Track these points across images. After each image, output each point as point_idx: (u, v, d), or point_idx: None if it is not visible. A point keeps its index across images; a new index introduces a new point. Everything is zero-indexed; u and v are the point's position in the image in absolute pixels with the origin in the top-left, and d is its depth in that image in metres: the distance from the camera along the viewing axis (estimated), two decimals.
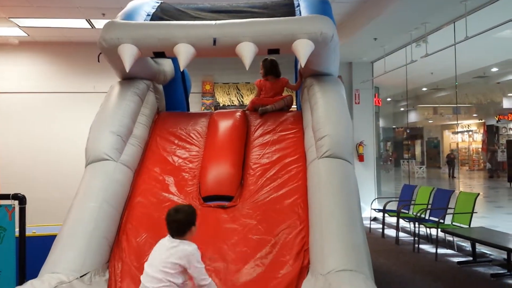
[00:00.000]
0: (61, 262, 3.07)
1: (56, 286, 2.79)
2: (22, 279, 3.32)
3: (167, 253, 2.78)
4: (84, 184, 3.62)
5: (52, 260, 3.11)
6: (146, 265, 2.85)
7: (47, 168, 9.23)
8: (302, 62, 3.64)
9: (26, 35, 9.16)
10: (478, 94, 19.91)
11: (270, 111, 4.64)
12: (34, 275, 2.98)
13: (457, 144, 26.26)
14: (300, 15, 4.18)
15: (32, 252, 3.56)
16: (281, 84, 5.00)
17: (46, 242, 3.43)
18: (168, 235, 2.85)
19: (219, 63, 9.94)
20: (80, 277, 3.01)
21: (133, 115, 4.14)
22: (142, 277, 2.83)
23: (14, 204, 3.51)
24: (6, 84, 9.40)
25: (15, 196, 3.47)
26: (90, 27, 8.60)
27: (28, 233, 3.75)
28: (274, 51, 3.87)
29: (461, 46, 7.70)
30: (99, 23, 8.27)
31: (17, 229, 3.53)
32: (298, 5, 4.34)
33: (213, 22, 3.89)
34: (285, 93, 5.03)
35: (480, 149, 24.88)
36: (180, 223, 2.84)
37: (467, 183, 19.17)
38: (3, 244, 3.47)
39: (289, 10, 4.32)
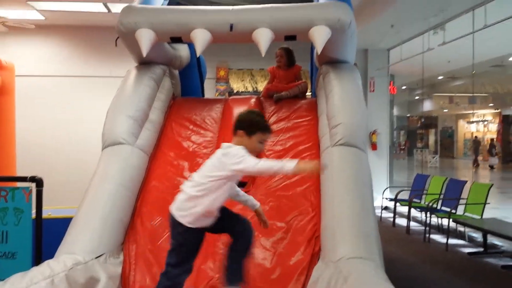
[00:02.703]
0: (78, 243, 3.13)
1: (72, 267, 2.85)
2: (38, 260, 3.39)
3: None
4: (100, 168, 3.67)
5: (68, 241, 3.18)
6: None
7: (64, 151, 9.33)
8: (319, 49, 3.62)
9: (44, 18, 9.21)
10: (495, 84, 19.58)
11: (284, 97, 4.64)
12: (50, 256, 3.03)
13: (472, 134, 25.97)
14: (318, 1, 4.15)
15: (48, 234, 3.63)
16: (295, 72, 4.99)
17: (61, 225, 3.49)
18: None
19: (233, 49, 9.91)
20: (96, 258, 3.07)
21: (149, 100, 4.18)
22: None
23: (31, 187, 3.57)
24: (24, 67, 9.48)
25: (33, 179, 3.53)
26: (106, 11, 8.61)
27: (44, 215, 3.82)
28: (290, 37, 3.86)
29: (480, 34, 7.59)
30: (116, 7, 8.27)
31: (34, 211, 3.60)
32: None
33: (230, 7, 3.88)
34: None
35: (495, 140, 24.59)
36: (235, 122, 2.68)
37: (480, 174, 19.00)
38: (20, 225, 3.54)
39: None
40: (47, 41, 9.88)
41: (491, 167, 20.97)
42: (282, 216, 3.47)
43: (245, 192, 3.67)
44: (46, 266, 2.77)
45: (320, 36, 3.61)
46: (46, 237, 3.53)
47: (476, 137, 23.95)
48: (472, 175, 17.94)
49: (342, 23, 3.66)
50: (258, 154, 2.73)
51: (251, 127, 2.64)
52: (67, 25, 9.73)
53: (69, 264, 2.85)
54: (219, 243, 3.30)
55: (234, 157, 2.53)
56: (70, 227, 3.31)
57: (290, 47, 5.01)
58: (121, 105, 3.98)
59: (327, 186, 3.43)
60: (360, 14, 8.22)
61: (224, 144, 2.69)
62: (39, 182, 3.50)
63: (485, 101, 23.06)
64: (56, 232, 3.41)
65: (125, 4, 4.00)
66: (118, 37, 4.06)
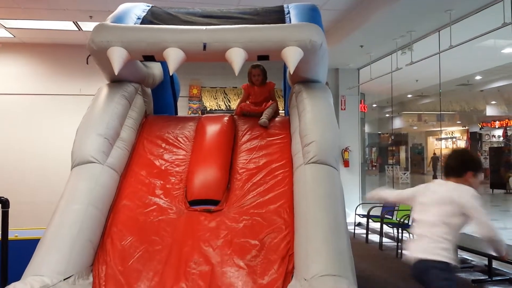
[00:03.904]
0: (45, 264, 3.05)
1: None
2: (4, 283, 3.29)
3: (442, 191, 2.65)
4: (69, 187, 3.60)
5: (35, 262, 3.09)
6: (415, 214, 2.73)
7: (32, 170, 9.12)
8: (291, 69, 3.67)
9: (12, 36, 9.07)
10: (461, 102, 20.18)
11: (269, 119, 4.61)
12: (16, 279, 2.95)
13: (441, 150, 26.58)
14: (290, 22, 4.21)
15: (14, 256, 3.53)
16: (269, 88, 5.03)
17: (28, 246, 3.40)
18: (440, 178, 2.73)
19: (206, 68, 9.95)
20: (64, 279, 2.99)
21: (121, 118, 4.13)
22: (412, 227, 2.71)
23: None
24: None
25: None
26: (77, 29, 8.55)
27: (11, 236, 3.71)
28: (263, 57, 3.90)
29: (446, 54, 7.83)
30: (87, 26, 8.23)
31: None
32: (288, 12, 4.38)
33: (204, 27, 3.91)
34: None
35: None
36: (453, 167, 2.70)
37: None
38: None
39: (279, 17, 4.36)
40: (16, 59, 9.71)
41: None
42: (255, 234, 3.46)
43: (218, 210, 3.68)
44: None
45: (292, 57, 3.66)
46: (12, 259, 3.43)
47: (434, 153, 24.48)
48: None
49: (313, 44, 3.72)
50: None
51: (478, 167, 2.70)
52: (37, 43, 9.60)
53: (36, 286, 2.77)
54: (192, 263, 3.27)
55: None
56: (37, 247, 3.22)
57: (263, 65, 5.06)
58: (91, 123, 3.93)
59: (300, 204, 3.45)
60: (330, 35, 8.41)
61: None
62: (5, 203, 3.42)
63: (452, 119, 23.71)
64: (22, 254, 3.33)
65: (96, 23, 3.98)
66: (89, 55, 4.02)
